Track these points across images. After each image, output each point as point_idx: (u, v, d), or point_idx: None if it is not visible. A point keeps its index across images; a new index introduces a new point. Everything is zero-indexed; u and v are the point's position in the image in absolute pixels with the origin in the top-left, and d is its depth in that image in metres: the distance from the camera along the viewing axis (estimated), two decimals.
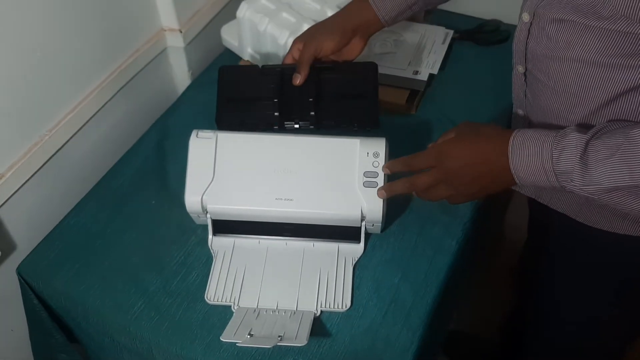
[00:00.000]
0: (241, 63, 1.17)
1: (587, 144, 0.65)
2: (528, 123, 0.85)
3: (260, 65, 0.94)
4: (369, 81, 0.90)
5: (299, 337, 0.74)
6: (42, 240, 0.94)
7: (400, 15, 0.93)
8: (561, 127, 0.76)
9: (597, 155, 0.64)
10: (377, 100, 0.90)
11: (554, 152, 0.66)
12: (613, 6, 0.62)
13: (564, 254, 0.94)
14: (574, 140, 0.65)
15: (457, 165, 0.73)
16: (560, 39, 0.71)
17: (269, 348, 0.74)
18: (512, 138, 0.69)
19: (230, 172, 0.84)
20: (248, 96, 0.91)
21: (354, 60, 0.93)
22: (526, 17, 0.75)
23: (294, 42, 0.91)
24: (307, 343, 0.74)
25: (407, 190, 0.79)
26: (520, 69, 0.81)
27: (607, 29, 0.65)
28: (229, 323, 0.77)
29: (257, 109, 0.90)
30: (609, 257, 0.86)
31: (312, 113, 0.89)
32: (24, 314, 0.94)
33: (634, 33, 0.63)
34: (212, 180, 0.83)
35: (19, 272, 0.91)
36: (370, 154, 0.83)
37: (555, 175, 0.67)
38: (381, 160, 0.83)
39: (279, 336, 0.74)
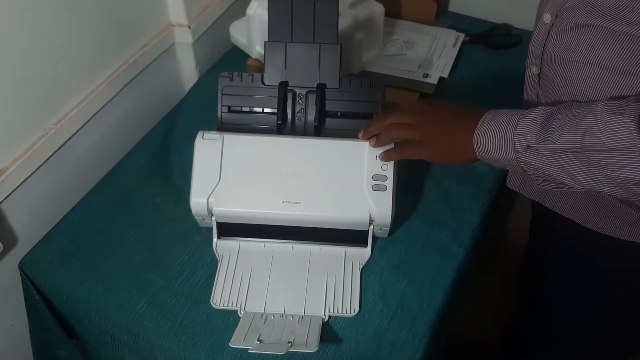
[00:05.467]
0: (249, 62, 1.16)
1: (552, 113, 0.66)
2: None
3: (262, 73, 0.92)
4: (376, 100, 0.88)
5: (309, 343, 0.73)
6: (45, 235, 0.93)
7: None
8: None
9: (559, 122, 0.65)
10: None
11: (519, 121, 0.68)
12: None
13: (568, 259, 0.93)
14: (540, 110, 0.67)
15: (430, 105, 0.78)
16: (582, 43, 0.69)
17: (282, 355, 0.73)
18: (487, 112, 0.72)
19: (237, 174, 0.83)
20: (249, 108, 0.89)
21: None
22: (547, 18, 0.74)
23: None
24: None
25: (379, 129, 0.80)
26: (535, 70, 0.80)
27: (634, 34, 0.63)
28: (237, 328, 0.76)
29: (259, 124, 0.89)
30: (614, 263, 0.85)
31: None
32: (25, 309, 0.93)
33: None
34: (219, 182, 0.82)
35: (21, 266, 0.90)
36: (379, 157, 0.82)
37: (513, 144, 0.68)
38: (390, 163, 0.82)
39: (289, 342, 0.73)
